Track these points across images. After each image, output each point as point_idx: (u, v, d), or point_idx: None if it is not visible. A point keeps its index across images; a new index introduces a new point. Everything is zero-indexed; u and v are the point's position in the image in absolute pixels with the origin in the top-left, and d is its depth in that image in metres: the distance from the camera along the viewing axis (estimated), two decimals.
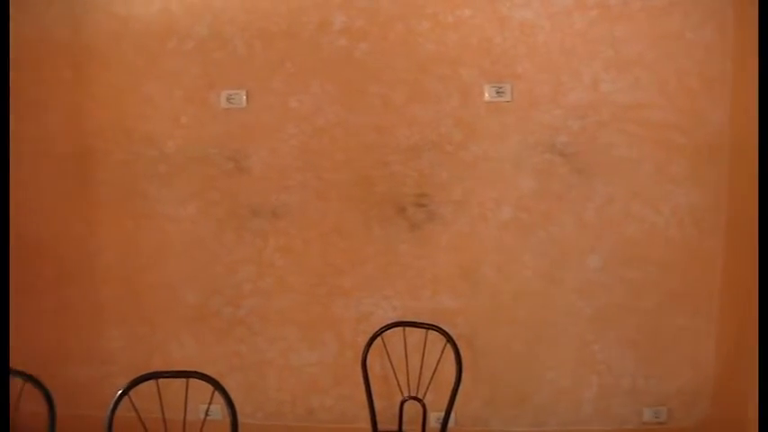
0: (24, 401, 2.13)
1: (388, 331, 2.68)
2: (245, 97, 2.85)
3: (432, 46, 2.80)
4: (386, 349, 2.67)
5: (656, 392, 2.88)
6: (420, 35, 2.80)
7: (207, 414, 2.25)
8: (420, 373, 2.67)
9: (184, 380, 2.17)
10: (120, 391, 2.15)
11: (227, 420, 2.10)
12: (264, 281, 2.92)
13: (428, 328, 2.64)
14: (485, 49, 2.77)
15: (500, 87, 2.77)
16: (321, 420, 3.02)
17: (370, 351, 2.64)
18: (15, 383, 2.34)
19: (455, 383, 2.54)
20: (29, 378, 2.28)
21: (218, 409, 2.69)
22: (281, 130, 2.85)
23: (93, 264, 3.04)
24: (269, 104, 2.85)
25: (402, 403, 2.67)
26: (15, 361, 2.55)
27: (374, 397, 2.63)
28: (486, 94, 2.78)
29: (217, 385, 2.17)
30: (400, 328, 2.70)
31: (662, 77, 2.73)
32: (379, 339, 2.66)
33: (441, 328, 2.61)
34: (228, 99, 2.85)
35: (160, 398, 2.16)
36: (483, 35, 2.77)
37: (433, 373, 2.65)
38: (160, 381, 2.17)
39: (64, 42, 3.01)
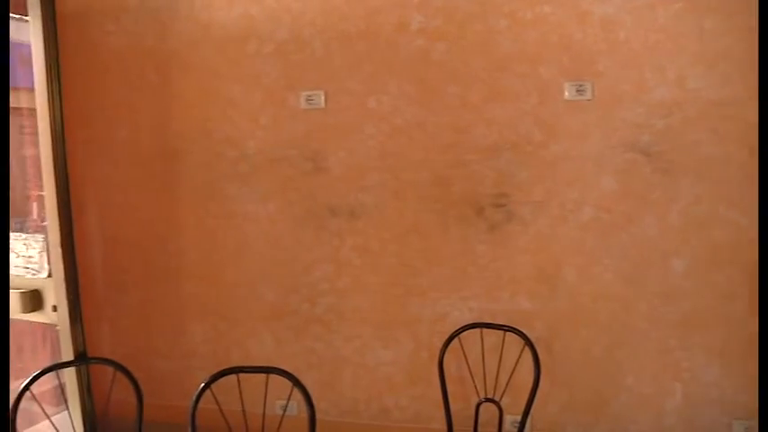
0: (115, 390, 2.23)
1: (465, 332, 2.66)
2: (323, 98, 2.89)
3: (510, 44, 2.76)
4: (463, 350, 2.65)
5: (748, 405, 2.74)
6: (498, 33, 2.76)
7: (285, 410, 2.30)
8: (497, 376, 2.64)
9: (263, 375, 2.22)
10: (203, 384, 2.21)
11: (302, 416, 2.13)
12: (341, 280, 2.95)
13: (506, 330, 2.60)
14: (565, 46, 2.71)
15: (581, 85, 2.71)
16: (395, 420, 3.02)
17: (446, 352, 2.63)
18: (107, 372, 2.45)
19: (533, 387, 2.50)
20: (119, 368, 2.38)
21: (294, 404, 2.74)
22: (360, 131, 2.87)
23: (178, 261, 3.15)
24: (347, 105, 2.88)
25: (478, 405, 2.64)
26: (106, 352, 2.69)
27: (449, 398, 2.62)
28: (567, 93, 2.72)
29: (296, 382, 2.21)
30: (477, 330, 2.68)
31: (753, 73, 2.61)
32: (455, 340, 2.64)
33: (519, 331, 2.56)
34: (307, 100, 2.89)
35: (240, 392, 2.21)
36: (563, 32, 2.71)
37: (510, 376, 2.61)
38: (240, 375, 2.23)
39: (151, 49, 3.13)
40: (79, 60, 3.09)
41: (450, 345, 2.63)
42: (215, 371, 2.19)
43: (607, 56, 2.68)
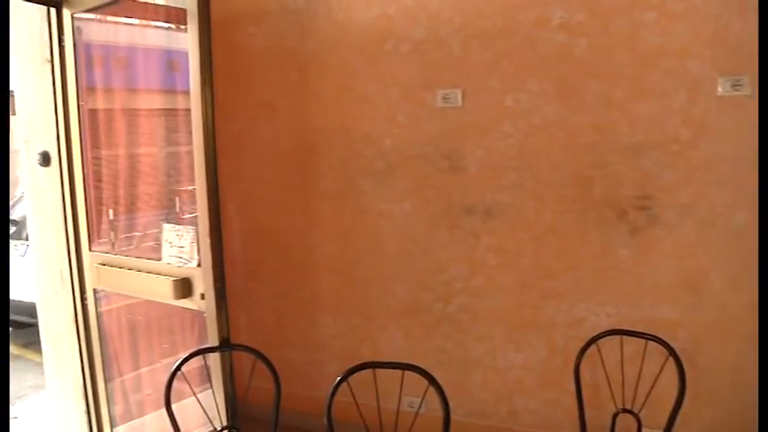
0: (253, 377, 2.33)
1: (603, 339, 2.56)
2: (460, 96, 2.87)
3: (657, 38, 2.61)
4: (600, 357, 2.55)
5: None
6: (644, 27, 2.62)
7: (419, 408, 2.30)
8: (637, 386, 2.52)
9: (394, 370, 2.24)
10: (340, 378, 2.26)
11: (431, 414, 2.13)
12: (475, 279, 2.93)
13: (648, 339, 2.47)
14: (720, 38, 2.53)
15: (737, 80, 2.52)
16: (524, 424, 2.96)
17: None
18: (247, 358, 2.56)
19: (676, 402, 2.35)
20: (260, 356, 2.49)
21: (423, 402, 2.75)
22: (497, 129, 2.83)
23: (313, 255, 3.25)
24: (485, 103, 2.84)
25: (615, 415, 2.53)
26: (243, 339, 2.81)
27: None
28: (720, 89, 2.54)
29: (432, 380, 2.21)
30: (615, 337, 2.57)
31: None
32: (593, 346, 2.55)
33: (662, 340, 2.43)
34: (444, 98, 2.89)
35: (376, 387, 2.24)
36: (718, 23, 2.53)
37: (651, 388, 2.48)
38: (370, 370, 2.26)
39: (291, 49, 3.25)
40: (225, 62, 3.25)
41: (587, 351, 2.55)
42: (345, 364, 2.23)
43: None
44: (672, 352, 2.39)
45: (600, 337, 2.53)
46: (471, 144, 2.87)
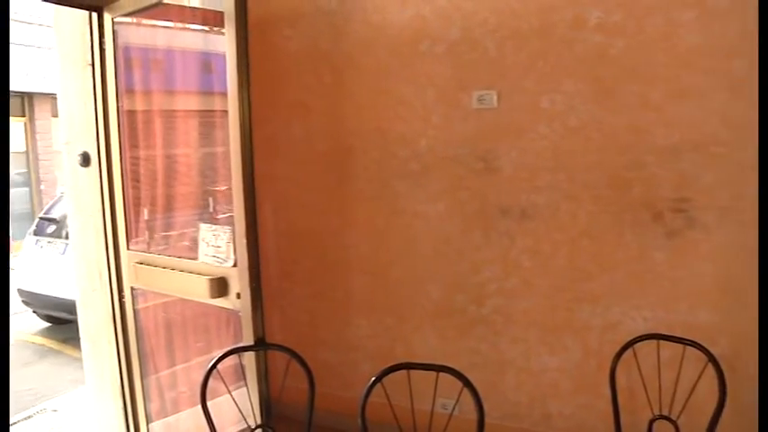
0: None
1: (638, 343, 2.52)
2: (496, 97, 2.85)
3: (696, 38, 2.56)
4: (637, 361, 2.51)
5: None
6: (682, 26, 2.57)
7: (453, 410, 2.30)
8: (674, 393, 2.48)
9: (427, 372, 2.24)
10: (374, 378, 2.26)
11: (463, 417, 2.13)
12: (509, 281, 2.91)
13: (687, 344, 2.43)
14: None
15: None
16: (558, 428, 2.94)
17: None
18: (281, 359, 2.58)
19: (716, 409, 2.31)
20: (294, 356, 2.50)
21: (455, 404, 2.74)
22: (532, 130, 2.81)
23: (347, 256, 3.27)
24: (520, 104, 2.82)
25: (651, 421, 2.49)
26: (276, 339, 2.84)
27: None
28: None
29: (467, 382, 2.21)
30: (652, 341, 2.53)
31: None
32: (629, 350, 2.51)
33: (702, 346, 2.39)
34: (479, 99, 2.87)
35: (410, 389, 2.24)
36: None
37: (690, 394, 2.44)
38: (404, 371, 2.26)
39: (326, 51, 3.26)
40: (261, 64, 3.28)
41: (623, 355, 2.51)
42: (378, 365, 2.24)
43: None
44: (711, 358, 2.35)
45: (636, 341, 2.50)
46: (506, 145, 2.86)
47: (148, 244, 3.33)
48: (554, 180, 2.79)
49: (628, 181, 2.69)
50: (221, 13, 2.59)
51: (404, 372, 2.23)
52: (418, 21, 3.02)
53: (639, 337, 2.50)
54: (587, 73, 2.73)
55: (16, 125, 13.75)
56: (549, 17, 2.77)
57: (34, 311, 7.67)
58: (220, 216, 3.17)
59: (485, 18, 2.88)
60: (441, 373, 2.21)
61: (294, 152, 3.37)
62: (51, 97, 13.26)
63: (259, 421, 2.61)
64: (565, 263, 2.81)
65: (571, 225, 2.78)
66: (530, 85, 2.81)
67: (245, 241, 2.57)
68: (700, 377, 2.40)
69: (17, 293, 7.47)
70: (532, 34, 2.80)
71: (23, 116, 13.73)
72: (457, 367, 2.23)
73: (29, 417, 4.88)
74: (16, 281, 7.58)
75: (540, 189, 2.82)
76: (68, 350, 6.85)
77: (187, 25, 3.44)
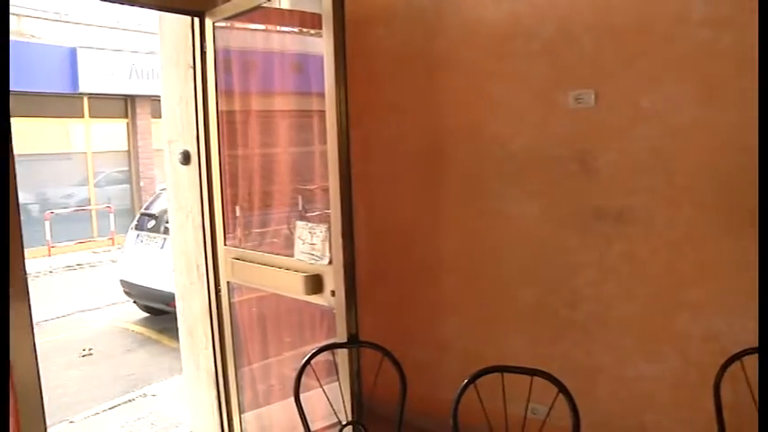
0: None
1: (746, 356, 2.38)
2: (593, 97, 2.77)
3: None
4: (745, 375, 2.37)
5: None
6: None
7: (548, 415, 2.26)
8: None
9: (518, 375, 2.21)
10: (467, 380, 2.26)
11: (553, 423, 2.08)
12: (605, 286, 2.82)
13: None
14: None
15: None
16: None
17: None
18: (370, 357, 2.61)
19: None
20: (387, 354, 2.53)
21: (545, 408, 2.69)
22: (632, 131, 2.71)
23: (438, 255, 3.27)
24: (619, 104, 2.73)
25: None
26: (366, 337, 2.86)
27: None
28: None
29: (562, 388, 2.17)
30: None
31: None
32: (735, 363, 2.38)
33: None
34: (576, 99, 2.80)
35: (504, 392, 2.22)
36: None
37: None
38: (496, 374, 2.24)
39: (419, 50, 3.27)
40: (354, 64, 3.32)
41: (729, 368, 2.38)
42: (467, 366, 2.23)
43: None
44: None
45: (743, 354, 2.36)
46: (604, 146, 2.77)
47: (242, 240, 3.45)
48: (654, 182, 2.68)
49: (733, 185, 2.55)
50: (317, 15, 2.65)
51: (492, 374, 2.22)
52: (513, 18, 2.97)
53: (748, 349, 2.35)
54: (691, 70, 2.60)
55: (119, 126, 14.52)
56: (649, 12, 2.66)
57: (134, 301, 8.08)
58: (309, 214, 3.24)
59: (581, 14, 2.81)
60: (528, 377, 2.19)
61: (387, 152, 3.39)
62: (151, 99, 13.92)
63: (350, 417, 2.65)
64: (663, 268, 2.70)
65: (671, 229, 2.67)
66: (629, 84, 2.71)
67: (341, 239, 2.62)
68: None
69: (119, 284, 7.90)
70: (632, 30, 2.70)
71: (126, 117, 14.48)
72: (547, 372, 2.19)
73: (130, 400, 5.15)
74: (119, 272, 8.01)
75: (638, 191, 2.71)
76: (165, 340, 7.18)
77: (282, 27, 3.53)
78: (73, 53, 12.73)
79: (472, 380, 2.22)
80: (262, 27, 3.54)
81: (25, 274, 2.39)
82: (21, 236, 2.38)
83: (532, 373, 2.17)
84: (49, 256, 12.00)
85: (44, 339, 6.91)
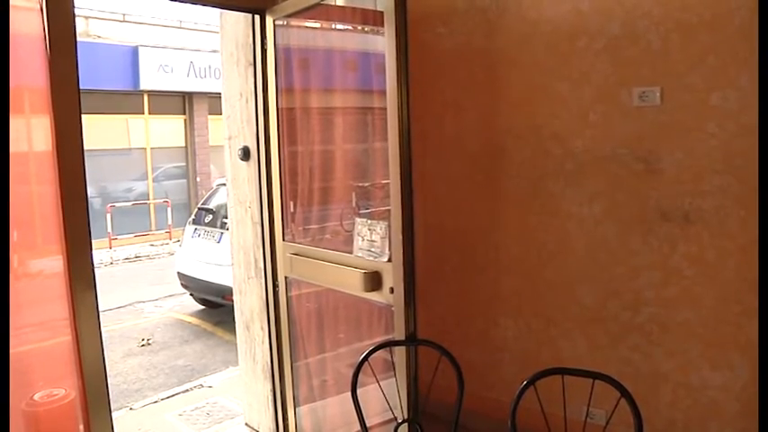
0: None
1: None
2: (659, 95, 2.69)
3: None
4: None
5: None
6: None
7: (609, 420, 2.22)
8: None
9: (575, 378, 2.17)
10: (526, 382, 2.23)
11: (611, 429, 2.03)
12: (669, 289, 2.74)
13: None
14: None
15: None
16: None
17: None
18: (427, 355, 2.61)
19: None
20: (445, 353, 2.52)
21: (601, 413, 2.64)
22: (700, 129, 2.61)
23: (496, 255, 3.23)
24: (686, 102, 2.64)
25: None
26: (422, 335, 2.85)
27: None
28: None
29: (624, 392, 2.13)
30: None
31: None
32: None
33: None
34: (641, 97, 2.72)
35: (564, 395, 2.19)
36: None
37: None
38: (553, 377, 2.20)
39: (479, 47, 3.24)
40: (414, 62, 3.31)
41: None
42: (524, 367, 2.21)
43: None
44: None
45: None
46: (670, 145, 2.69)
47: (297, 235, 3.48)
48: (723, 183, 2.59)
49: None
50: (377, 12, 2.66)
51: (550, 376, 2.18)
52: (575, 15, 2.91)
53: None
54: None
55: (177, 122, 14.89)
56: (722, 6, 2.55)
57: (191, 294, 8.27)
58: (362, 211, 3.26)
59: (648, 10, 2.73)
60: (586, 380, 2.14)
61: (445, 150, 3.38)
62: (208, 96, 14.22)
63: (405, 415, 2.66)
64: (732, 273, 2.60)
65: (741, 232, 2.57)
66: (697, 81, 2.62)
67: (400, 237, 2.62)
68: None
69: (177, 276, 8.10)
70: (702, 26, 2.61)
71: (183, 114, 14.83)
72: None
73: (187, 390, 5.28)
74: (176, 265, 8.21)
75: (706, 193, 2.62)
76: (219, 332, 7.33)
77: (341, 25, 3.55)
78: (135, 52, 13.12)
79: (532, 381, 2.19)
80: (320, 25, 3.57)
81: (93, 265, 2.47)
82: (89, 228, 2.46)
83: (594, 376, 2.13)
84: (110, 248, 12.40)
85: (105, 329, 7.13)
